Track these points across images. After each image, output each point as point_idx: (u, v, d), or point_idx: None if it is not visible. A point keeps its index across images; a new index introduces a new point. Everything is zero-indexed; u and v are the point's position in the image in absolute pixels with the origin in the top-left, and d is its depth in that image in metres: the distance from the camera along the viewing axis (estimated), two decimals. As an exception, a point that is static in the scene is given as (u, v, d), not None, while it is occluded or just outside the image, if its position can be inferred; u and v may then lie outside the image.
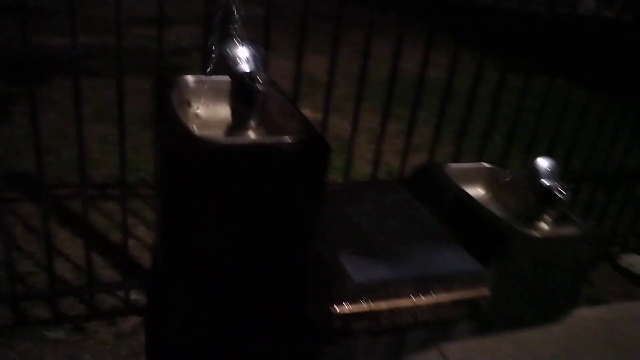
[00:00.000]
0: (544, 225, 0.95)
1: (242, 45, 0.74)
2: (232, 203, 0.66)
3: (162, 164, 0.68)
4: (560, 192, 0.91)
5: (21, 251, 2.24)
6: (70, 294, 2.04)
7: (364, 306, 0.82)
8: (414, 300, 0.85)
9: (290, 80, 1.67)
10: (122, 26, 1.58)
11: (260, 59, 0.74)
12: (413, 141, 1.87)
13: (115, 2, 1.36)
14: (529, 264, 0.91)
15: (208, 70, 0.82)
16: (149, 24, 2.76)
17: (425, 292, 0.85)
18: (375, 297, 0.83)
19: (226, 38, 0.73)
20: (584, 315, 2.54)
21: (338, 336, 0.83)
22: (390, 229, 0.97)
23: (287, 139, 0.65)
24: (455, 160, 1.57)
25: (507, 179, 1.11)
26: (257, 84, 0.66)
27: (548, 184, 0.92)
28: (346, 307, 0.81)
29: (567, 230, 0.93)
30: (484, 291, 0.89)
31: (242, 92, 0.69)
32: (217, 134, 0.76)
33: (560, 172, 0.93)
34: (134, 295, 2.13)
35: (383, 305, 0.83)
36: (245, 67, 0.69)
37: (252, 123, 0.72)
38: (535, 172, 0.94)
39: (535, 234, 0.91)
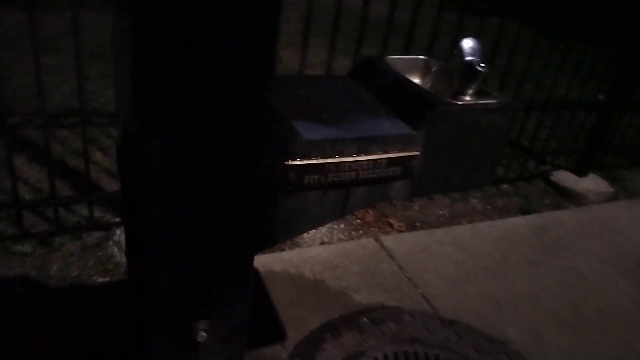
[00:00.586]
0: (466, 98, 1.11)
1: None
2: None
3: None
4: (480, 66, 1.07)
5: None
6: (36, 205, 2.11)
7: (313, 161, 0.96)
8: (356, 158, 1.00)
9: None
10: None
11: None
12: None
13: None
14: (452, 129, 1.07)
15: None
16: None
17: (365, 152, 1.01)
18: (323, 154, 0.97)
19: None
20: (517, 222, 2.85)
21: (292, 188, 0.98)
22: (336, 104, 1.11)
23: None
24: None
25: (439, 67, 1.26)
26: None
27: (470, 60, 1.07)
28: (298, 161, 0.95)
29: (486, 100, 1.10)
30: (415, 151, 1.05)
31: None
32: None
33: (482, 51, 1.09)
34: (97, 213, 2.22)
35: (330, 160, 0.98)
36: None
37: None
38: (460, 52, 1.09)
39: (457, 102, 1.07)
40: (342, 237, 2.40)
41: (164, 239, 0.94)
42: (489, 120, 1.12)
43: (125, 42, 0.83)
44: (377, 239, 2.41)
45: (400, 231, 2.54)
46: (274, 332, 1.83)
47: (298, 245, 2.29)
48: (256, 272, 2.07)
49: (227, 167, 0.90)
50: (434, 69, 1.28)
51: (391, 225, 2.55)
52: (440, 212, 2.77)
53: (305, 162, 0.97)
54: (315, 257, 2.24)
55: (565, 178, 3.19)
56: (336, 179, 1.02)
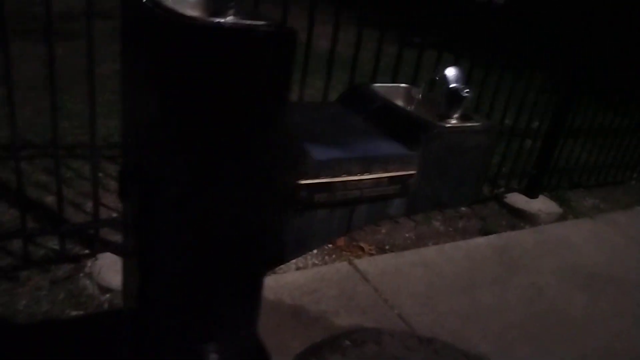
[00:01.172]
0: (453, 121, 1.22)
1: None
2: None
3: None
4: (465, 92, 1.18)
5: None
6: (2, 238, 2.03)
7: (323, 180, 1.03)
8: (361, 177, 1.08)
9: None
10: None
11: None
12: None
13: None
14: (443, 149, 1.18)
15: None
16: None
17: (368, 170, 1.09)
18: (332, 173, 1.04)
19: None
20: (478, 243, 3.01)
21: (303, 207, 1.04)
22: (333, 128, 1.19)
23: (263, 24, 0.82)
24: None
25: (420, 94, 1.38)
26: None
27: (455, 86, 1.19)
28: (309, 180, 1.02)
29: (470, 123, 1.21)
30: (412, 170, 1.14)
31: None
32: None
33: (464, 78, 1.21)
34: (68, 244, 2.15)
35: (337, 179, 1.05)
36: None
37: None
38: (445, 79, 1.21)
39: (447, 125, 1.18)
40: (316, 261, 2.44)
41: (175, 258, 0.96)
42: (474, 141, 1.23)
43: (146, 84, 0.87)
44: (350, 263, 2.47)
45: (371, 254, 2.62)
46: (259, 358, 1.83)
47: (274, 272, 2.31)
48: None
49: (245, 188, 0.94)
50: (414, 94, 1.40)
51: (362, 249, 2.63)
52: (407, 234, 2.89)
53: (315, 181, 1.03)
54: (292, 282, 2.26)
55: (518, 200, 3.40)
56: (343, 197, 1.09)
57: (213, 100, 0.84)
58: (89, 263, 2.11)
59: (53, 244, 2.16)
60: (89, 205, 2.37)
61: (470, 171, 1.26)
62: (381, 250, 2.68)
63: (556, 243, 3.03)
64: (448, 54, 2.63)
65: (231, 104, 0.85)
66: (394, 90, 1.41)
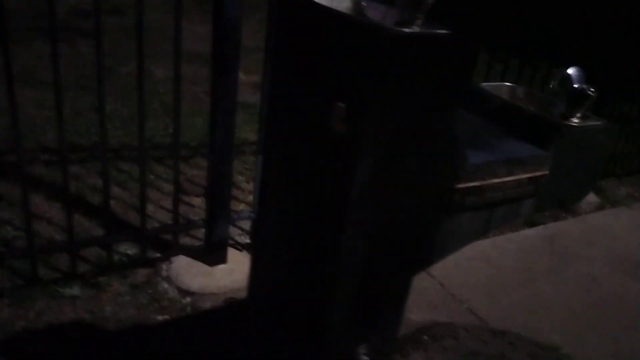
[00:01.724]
0: (576, 120, 1.25)
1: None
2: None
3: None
4: (591, 91, 1.21)
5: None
6: (89, 244, 2.03)
7: (475, 183, 1.05)
8: (504, 178, 1.10)
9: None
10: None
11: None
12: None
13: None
14: (572, 149, 1.20)
15: None
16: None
17: (512, 172, 1.11)
18: (481, 177, 1.07)
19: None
20: (528, 234, 3.05)
21: (454, 210, 1.06)
22: (464, 129, 1.21)
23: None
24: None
25: (524, 93, 1.40)
26: None
27: (580, 86, 1.21)
28: (463, 184, 1.04)
29: (595, 122, 1.24)
30: (545, 170, 1.17)
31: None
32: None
33: (585, 79, 1.23)
34: (136, 250, 2.16)
35: (487, 182, 1.07)
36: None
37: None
38: (569, 79, 1.23)
39: (576, 125, 1.21)
40: (378, 258, 2.47)
41: (352, 259, 0.98)
42: (597, 140, 1.26)
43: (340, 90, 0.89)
44: (411, 258, 2.51)
45: (429, 249, 2.65)
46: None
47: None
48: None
49: (413, 184, 0.96)
50: (520, 94, 1.42)
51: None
52: (457, 228, 2.92)
53: (469, 184, 1.06)
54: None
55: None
56: (489, 199, 1.11)
57: (418, 102, 0.86)
58: (164, 267, 2.12)
59: (124, 248, 2.17)
60: (149, 209, 2.37)
61: (590, 169, 1.29)
62: (436, 244, 2.72)
63: (600, 232, 3.09)
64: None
65: (431, 103, 0.87)
66: (500, 89, 1.43)
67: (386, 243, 1.00)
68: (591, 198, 3.46)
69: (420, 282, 2.37)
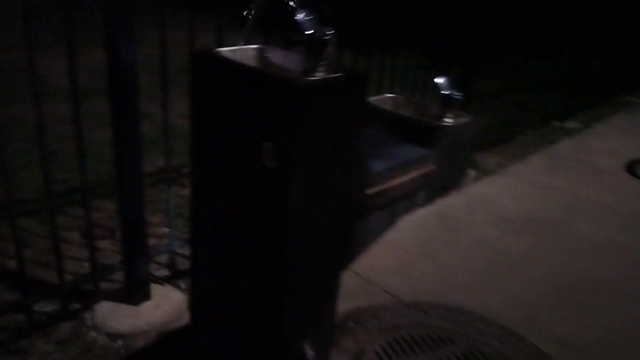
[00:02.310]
0: (449, 120, 1.54)
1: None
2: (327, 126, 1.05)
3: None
4: (457, 95, 1.51)
5: None
6: (7, 311, 1.98)
7: (380, 187, 1.29)
8: (403, 178, 1.35)
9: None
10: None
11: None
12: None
13: None
14: (450, 144, 1.50)
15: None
16: None
17: (406, 172, 1.37)
18: (384, 181, 1.30)
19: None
20: (422, 213, 3.44)
21: (367, 211, 1.29)
22: (368, 145, 1.45)
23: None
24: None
25: (405, 101, 1.68)
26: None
27: (448, 92, 1.51)
28: (372, 189, 1.27)
29: (464, 119, 1.54)
30: (432, 165, 1.44)
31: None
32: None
33: (452, 85, 1.53)
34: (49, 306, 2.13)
35: (389, 184, 1.31)
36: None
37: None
38: (438, 86, 1.52)
39: (449, 124, 1.50)
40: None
41: (295, 268, 1.16)
42: (467, 133, 1.57)
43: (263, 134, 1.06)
44: (326, 256, 2.74)
45: (340, 244, 2.90)
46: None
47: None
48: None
49: (335, 198, 1.17)
50: (401, 102, 1.70)
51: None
52: (361, 220, 3.22)
53: (375, 189, 1.29)
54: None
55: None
56: (392, 198, 1.35)
57: (330, 131, 1.05)
58: (88, 316, 2.12)
59: (41, 306, 2.13)
60: (53, 261, 2.32)
61: (465, 156, 1.60)
62: (346, 238, 2.99)
63: (480, 200, 3.59)
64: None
65: (335, 136, 1.08)
66: (385, 101, 1.70)
67: (319, 248, 1.20)
68: (468, 172, 3.98)
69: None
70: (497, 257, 2.92)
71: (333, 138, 1.09)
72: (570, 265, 2.90)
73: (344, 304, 2.40)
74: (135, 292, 2.20)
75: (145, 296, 2.23)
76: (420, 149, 1.45)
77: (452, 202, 3.56)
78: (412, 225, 3.20)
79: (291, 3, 0.99)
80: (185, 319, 2.13)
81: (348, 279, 2.60)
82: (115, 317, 2.12)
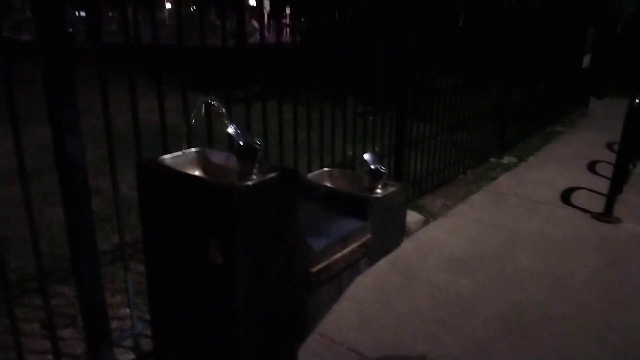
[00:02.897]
0: (379, 190, 1.71)
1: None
2: (269, 216, 1.18)
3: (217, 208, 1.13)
4: (382, 169, 1.69)
5: None
6: None
7: (323, 264, 1.42)
8: (343, 252, 1.49)
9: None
10: None
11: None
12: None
13: None
14: (383, 213, 1.66)
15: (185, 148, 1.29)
16: None
17: (346, 245, 1.51)
18: (326, 257, 1.44)
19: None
20: (376, 264, 3.57)
21: (314, 287, 1.42)
22: (309, 222, 1.59)
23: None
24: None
25: (341, 174, 1.85)
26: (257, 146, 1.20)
27: (376, 166, 1.69)
28: (316, 267, 1.40)
29: (392, 189, 1.72)
30: (369, 235, 1.59)
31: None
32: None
33: (378, 160, 1.71)
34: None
35: (331, 259, 1.45)
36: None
37: (254, 171, 1.24)
38: (367, 162, 1.70)
39: (380, 194, 1.67)
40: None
41: (248, 347, 1.26)
42: (398, 199, 1.74)
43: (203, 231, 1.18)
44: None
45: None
46: None
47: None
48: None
49: (280, 280, 1.29)
50: (336, 175, 1.87)
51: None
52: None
53: (319, 266, 1.42)
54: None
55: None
56: (336, 272, 1.49)
57: (267, 229, 1.19)
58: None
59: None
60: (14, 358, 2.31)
61: (399, 219, 1.76)
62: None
63: (430, 244, 3.77)
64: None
65: (274, 227, 1.21)
66: (322, 176, 1.86)
67: (270, 327, 1.30)
68: (417, 217, 4.19)
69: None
70: (450, 299, 3.08)
71: (272, 229, 1.22)
72: (516, 299, 3.09)
73: (311, 365, 2.48)
74: (101, 381, 2.21)
75: (112, 383, 2.24)
76: (357, 221, 1.60)
77: (404, 249, 3.72)
78: (369, 277, 3.32)
79: (226, 121, 1.14)
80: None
81: (313, 341, 2.68)
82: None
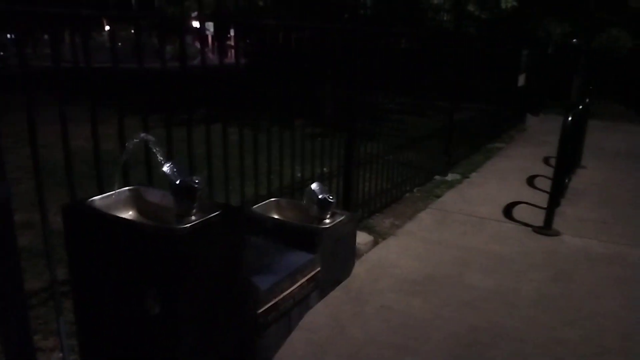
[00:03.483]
0: (327, 220, 1.66)
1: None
2: (207, 256, 1.11)
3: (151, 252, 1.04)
4: (330, 199, 1.64)
5: None
6: None
7: (271, 302, 1.35)
8: (292, 288, 1.43)
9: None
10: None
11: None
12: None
13: None
14: (332, 244, 1.61)
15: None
16: None
17: (294, 281, 1.45)
18: (274, 295, 1.37)
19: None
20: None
21: (262, 328, 1.34)
22: (255, 258, 1.52)
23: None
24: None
25: (289, 204, 1.79)
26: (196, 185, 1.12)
27: (324, 196, 1.64)
28: (264, 307, 1.33)
29: (340, 218, 1.67)
30: (318, 267, 1.54)
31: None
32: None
33: (326, 190, 1.67)
34: None
35: (279, 297, 1.38)
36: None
37: (194, 211, 1.16)
38: (313, 192, 1.65)
39: (328, 225, 1.62)
40: None
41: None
42: (347, 229, 1.70)
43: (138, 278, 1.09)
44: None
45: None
46: None
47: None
48: None
49: (226, 326, 1.21)
50: (284, 205, 1.81)
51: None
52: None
53: (266, 305, 1.35)
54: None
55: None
56: (284, 309, 1.42)
57: (210, 272, 1.11)
58: None
59: None
60: None
61: (347, 251, 1.72)
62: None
63: (380, 266, 3.76)
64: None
65: (219, 268, 1.13)
66: (269, 207, 1.79)
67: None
68: (367, 238, 4.17)
69: None
70: (403, 322, 3.06)
71: (217, 272, 1.15)
72: (468, 319, 3.11)
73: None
74: None
75: None
76: (305, 254, 1.55)
77: (356, 272, 3.68)
78: (321, 305, 3.26)
79: (160, 159, 1.06)
80: None
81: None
82: None
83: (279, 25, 3.41)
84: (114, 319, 1.21)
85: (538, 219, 4.59)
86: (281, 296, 1.39)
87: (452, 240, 4.25)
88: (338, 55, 4.05)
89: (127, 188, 1.27)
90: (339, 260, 1.68)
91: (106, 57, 2.28)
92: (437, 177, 5.88)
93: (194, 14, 3.20)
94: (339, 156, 4.15)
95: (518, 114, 9.92)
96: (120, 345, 1.22)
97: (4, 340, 1.95)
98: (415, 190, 5.44)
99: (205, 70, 2.78)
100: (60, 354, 2.50)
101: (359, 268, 3.75)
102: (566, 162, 4.78)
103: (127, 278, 1.12)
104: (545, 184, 5.50)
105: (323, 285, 1.61)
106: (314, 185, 1.68)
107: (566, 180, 5.36)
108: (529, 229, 4.51)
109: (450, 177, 5.99)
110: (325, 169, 4.08)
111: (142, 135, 1.24)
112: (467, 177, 6.09)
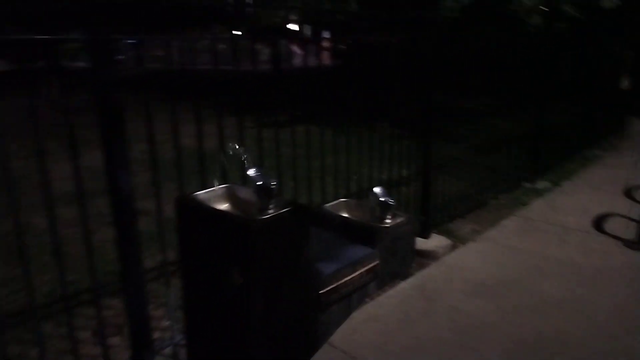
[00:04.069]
0: (388, 220, 1.91)
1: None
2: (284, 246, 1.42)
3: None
4: (390, 201, 1.89)
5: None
6: None
7: (333, 285, 1.63)
8: (352, 275, 1.70)
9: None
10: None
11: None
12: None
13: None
14: (391, 242, 1.86)
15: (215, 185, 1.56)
16: None
17: (355, 270, 1.71)
18: (335, 280, 1.65)
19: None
20: (403, 287, 3.76)
21: (324, 306, 1.62)
22: (322, 248, 1.80)
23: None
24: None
25: (356, 204, 2.06)
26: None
27: (385, 199, 1.89)
28: (326, 289, 1.61)
29: (399, 220, 1.91)
30: (377, 261, 1.79)
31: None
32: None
33: (387, 194, 1.91)
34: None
35: (340, 282, 1.66)
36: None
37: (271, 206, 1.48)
38: (375, 194, 1.90)
39: (388, 224, 1.87)
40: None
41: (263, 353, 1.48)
42: (404, 231, 1.93)
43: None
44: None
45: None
46: None
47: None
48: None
49: (292, 299, 1.51)
50: (352, 205, 2.08)
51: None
52: (346, 298, 3.51)
53: (329, 287, 1.63)
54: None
55: (417, 243, 4.24)
56: (345, 293, 1.69)
57: (279, 256, 1.42)
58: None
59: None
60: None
61: (406, 252, 1.95)
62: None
63: (456, 269, 3.90)
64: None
65: (286, 255, 1.44)
66: (339, 206, 2.07)
67: (283, 342, 1.52)
68: (445, 242, 4.31)
69: (326, 355, 2.88)
70: (470, 322, 3.20)
71: (284, 256, 1.45)
72: (535, 325, 3.17)
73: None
74: (143, 387, 2.48)
75: (153, 389, 2.51)
76: (366, 248, 1.80)
77: (431, 273, 3.87)
78: (394, 299, 3.49)
79: (246, 165, 1.38)
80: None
81: (335, 358, 2.88)
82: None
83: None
84: (209, 289, 1.56)
85: (631, 232, 4.42)
86: (342, 281, 1.67)
87: (533, 249, 4.25)
88: (428, 57, 4.11)
89: (223, 185, 1.62)
90: (397, 257, 1.91)
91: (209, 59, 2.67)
92: (525, 185, 5.80)
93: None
94: (417, 159, 4.29)
95: (620, 118, 9.27)
96: (214, 310, 1.56)
97: (127, 307, 2.42)
98: (500, 196, 5.43)
99: (299, 73, 3.08)
100: (168, 322, 2.97)
101: (436, 270, 3.92)
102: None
103: (220, 256, 1.46)
104: (644, 196, 5.23)
105: (381, 277, 1.86)
106: (376, 189, 1.93)
107: (668, 193, 5.05)
108: (619, 242, 4.37)
109: (539, 184, 5.87)
110: (404, 170, 4.26)
111: (234, 146, 1.58)
112: (559, 185, 5.92)
